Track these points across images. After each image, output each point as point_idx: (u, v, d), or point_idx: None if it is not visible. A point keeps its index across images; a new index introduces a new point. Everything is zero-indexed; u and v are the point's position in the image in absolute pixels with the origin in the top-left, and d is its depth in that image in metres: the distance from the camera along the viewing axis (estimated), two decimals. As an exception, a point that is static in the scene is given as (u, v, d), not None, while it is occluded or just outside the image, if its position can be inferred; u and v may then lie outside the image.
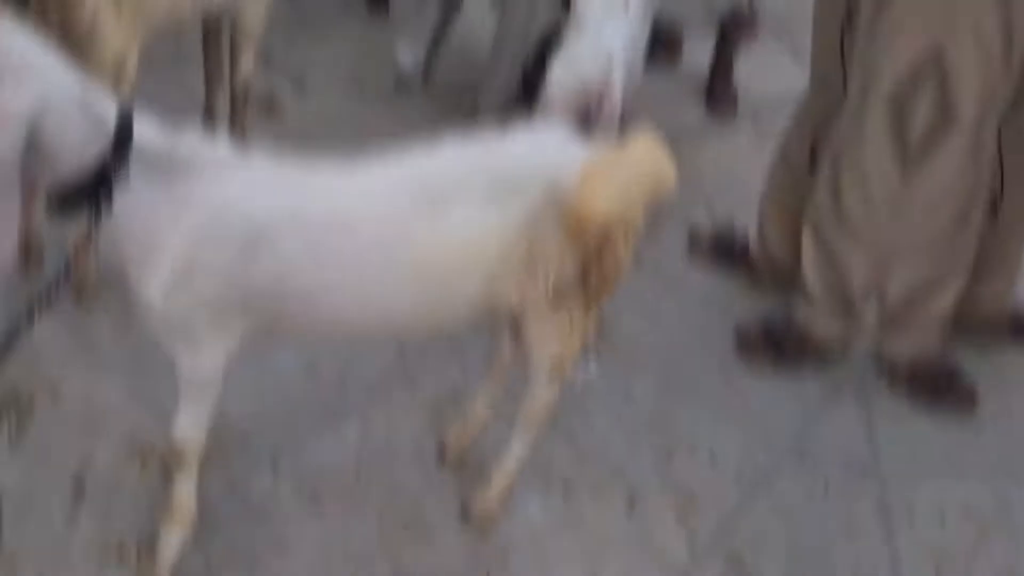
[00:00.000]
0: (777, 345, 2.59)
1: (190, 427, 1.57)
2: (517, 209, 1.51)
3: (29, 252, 2.07)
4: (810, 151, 2.57)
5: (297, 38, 3.52)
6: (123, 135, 1.28)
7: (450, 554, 1.88)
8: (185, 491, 1.65)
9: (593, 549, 1.96)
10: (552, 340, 1.69)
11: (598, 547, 1.97)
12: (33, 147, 1.21)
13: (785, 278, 2.69)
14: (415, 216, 1.47)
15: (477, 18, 4.02)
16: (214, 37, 2.55)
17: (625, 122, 2.40)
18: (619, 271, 1.67)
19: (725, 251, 2.88)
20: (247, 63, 2.49)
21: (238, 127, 2.65)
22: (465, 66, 3.80)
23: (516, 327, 1.74)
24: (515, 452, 1.88)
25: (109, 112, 1.30)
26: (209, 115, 2.72)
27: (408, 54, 3.66)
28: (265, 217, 1.40)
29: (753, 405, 2.43)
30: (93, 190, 1.27)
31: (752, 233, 2.83)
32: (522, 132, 1.66)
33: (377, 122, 3.21)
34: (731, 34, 3.55)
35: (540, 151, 1.59)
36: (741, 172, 3.24)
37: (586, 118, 2.18)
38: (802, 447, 2.33)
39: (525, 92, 3.51)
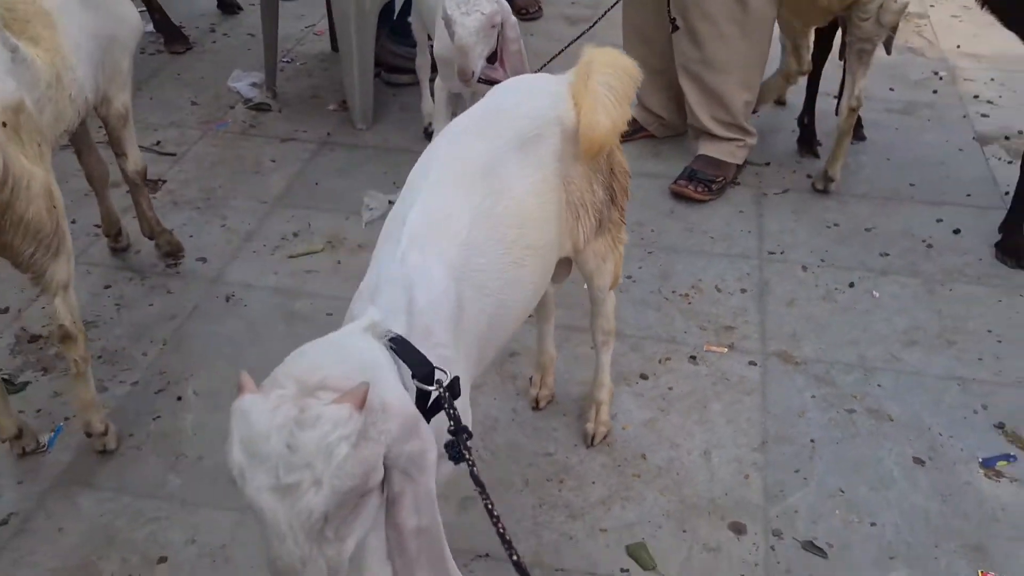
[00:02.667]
0: (705, 182, 2.85)
1: None
2: (547, 157, 1.57)
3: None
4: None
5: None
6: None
7: (595, 475, 2.00)
8: None
9: (693, 412, 2.14)
10: (606, 262, 1.81)
11: (696, 409, 2.14)
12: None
13: (677, 131, 3.15)
14: (490, 198, 1.45)
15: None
16: (85, 142, 2.43)
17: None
18: (627, 174, 1.79)
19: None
20: (133, 148, 2.39)
21: (146, 214, 2.56)
22: (306, 68, 3.77)
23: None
24: (606, 366, 2.02)
25: None
26: (111, 226, 2.61)
27: (243, 79, 3.59)
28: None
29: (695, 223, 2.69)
30: None
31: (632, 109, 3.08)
32: (504, 88, 1.71)
33: (255, 152, 3.16)
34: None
35: (534, 97, 1.64)
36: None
37: (494, 50, 2.24)
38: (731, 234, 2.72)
39: (388, 67, 3.53)
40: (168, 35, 3.81)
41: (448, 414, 1.18)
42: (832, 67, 3.09)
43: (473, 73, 2.18)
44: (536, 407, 2.18)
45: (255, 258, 2.68)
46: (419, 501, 1.11)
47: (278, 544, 0.99)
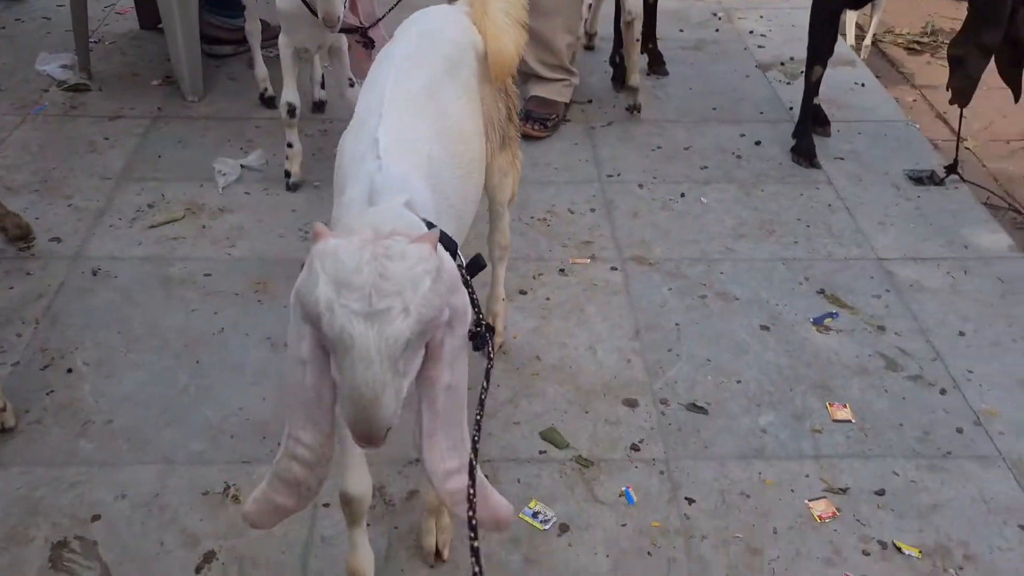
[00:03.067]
0: (541, 121, 3.09)
1: None
2: (469, 79, 1.70)
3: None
4: None
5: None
6: None
7: (498, 380, 2.16)
8: None
9: (572, 315, 2.36)
10: (507, 177, 1.99)
11: (574, 313, 2.37)
12: None
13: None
14: (438, 120, 1.55)
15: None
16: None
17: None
18: (517, 93, 1.97)
19: None
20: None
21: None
22: (117, 47, 3.64)
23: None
24: (501, 279, 2.20)
25: None
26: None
27: (51, 62, 3.42)
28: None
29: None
30: None
31: None
32: (421, 18, 1.78)
33: (84, 132, 3.05)
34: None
35: (451, 25, 1.75)
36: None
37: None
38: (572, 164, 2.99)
39: (208, 39, 3.48)
40: (-48, 23, 3.55)
41: (472, 300, 1.28)
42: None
43: (339, 18, 2.26)
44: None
45: (113, 232, 2.62)
46: (455, 356, 1.20)
47: (364, 369, 1.06)
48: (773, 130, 3.24)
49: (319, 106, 3.21)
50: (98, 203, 2.73)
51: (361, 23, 2.38)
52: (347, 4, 2.40)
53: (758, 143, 3.17)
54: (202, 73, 3.27)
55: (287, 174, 2.81)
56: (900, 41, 4.84)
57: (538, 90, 3.18)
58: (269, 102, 3.22)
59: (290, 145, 2.78)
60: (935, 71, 4.39)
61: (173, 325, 2.31)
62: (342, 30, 2.34)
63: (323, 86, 3.19)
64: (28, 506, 1.85)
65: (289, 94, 2.70)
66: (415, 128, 1.49)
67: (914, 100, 4.30)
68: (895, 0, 4.61)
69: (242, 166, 2.89)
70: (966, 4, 2.66)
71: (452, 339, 1.19)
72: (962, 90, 2.64)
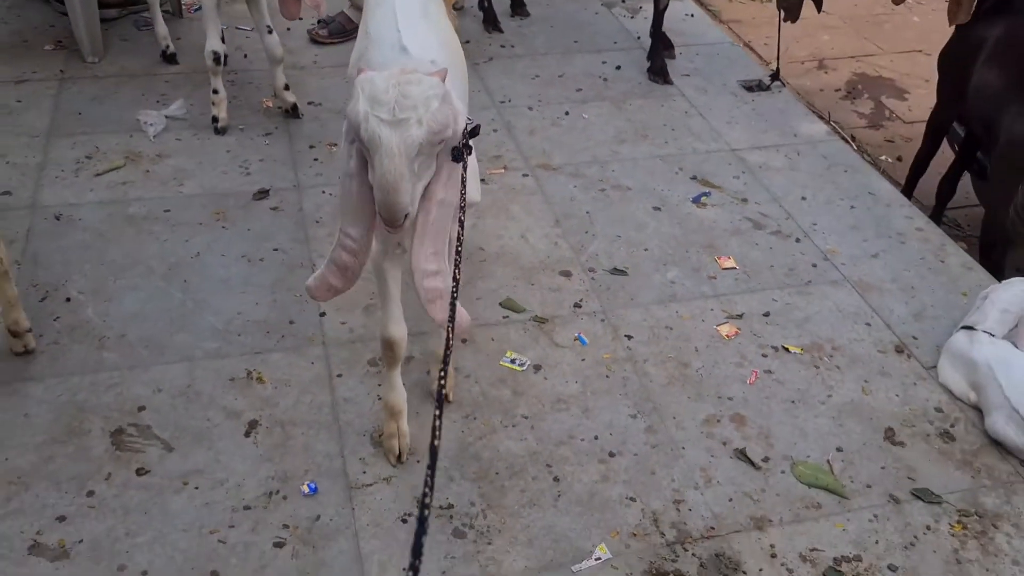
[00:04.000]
0: None
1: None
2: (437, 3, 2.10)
3: None
4: None
5: None
6: None
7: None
8: None
9: (500, 213, 2.78)
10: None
11: (502, 211, 2.79)
12: None
13: None
14: (433, 23, 1.96)
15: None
16: None
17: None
18: None
19: (338, 31, 3.67)
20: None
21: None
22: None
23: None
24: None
25: None
26: None
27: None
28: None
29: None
30: None
31: (347, 10, 3.59)
32: None
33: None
34: None
35: None
36: None
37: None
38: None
39: None
40: None
41: (464, 147, 1.63)
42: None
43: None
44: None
45: (61, 182, 2.77)
46: (451, 177, 1.60)
47: (388, 161, 1.46)
48: (628, 56, 3.78)
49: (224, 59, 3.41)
50: (35, 159, 2.85)
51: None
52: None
53: (619, 67, 3.69)
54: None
55: (215, 119, 3.04)
56: (707, -17, 5.56)
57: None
58: (171, 58, 3.39)
59: (215, 91, 3.01)
60: (736, 8, 5.11)
61: (151, 254, 2.54)
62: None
63: (223, 40, 3.39)
64: (74, 407, 2.07)
65: (213, 43, 2.92)
66: (422, 27, 1.88)
67: (724, 32, 5.00)
68: (697, -52, 5.27)
69: (166, 116, 3.08)
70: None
71: (451, 163, 1.59)
72: (790, 8, 3.25)
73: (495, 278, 2.58)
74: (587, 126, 3.31)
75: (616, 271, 2.65)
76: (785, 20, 3.35)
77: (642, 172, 3.08)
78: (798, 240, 2.83)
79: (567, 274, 2.62)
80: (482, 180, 2.96)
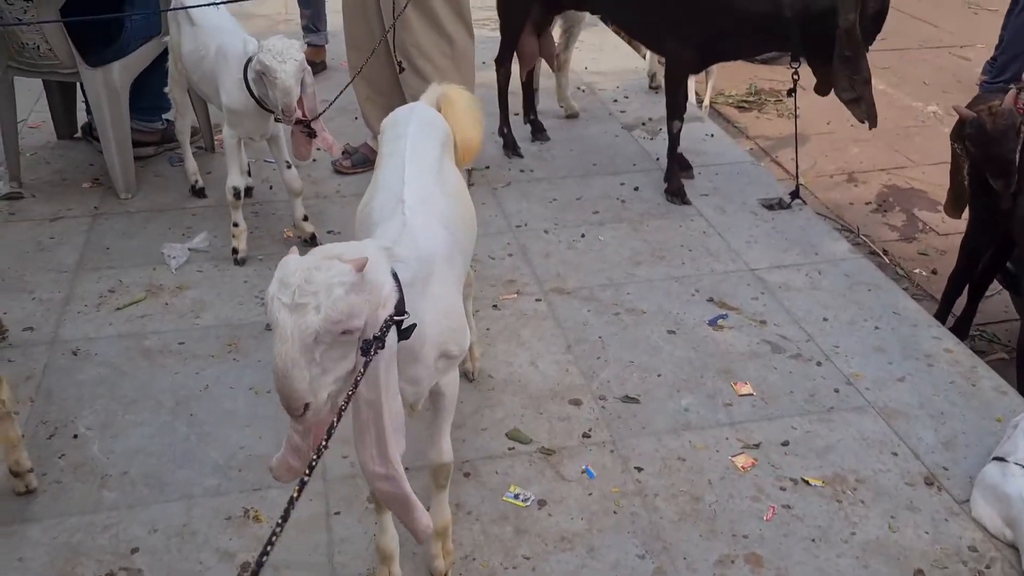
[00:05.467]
0: None
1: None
2: (451, 157, 2.13)
3: None
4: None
5: None
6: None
7: (460, 397, 2.53)
8: None
9: (511, 340, 2.75)
10: None
11: (513, 338, 2.76)
12: None
13: None
14: (443, 184, 1.96)
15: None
16: None
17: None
18: None
19: (362, 161, 3.80)
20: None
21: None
22: (39, 158, 3.84)
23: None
24: (470, 313, 2.57)
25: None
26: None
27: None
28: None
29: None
30: None
31: (370, 141, 3.72)
32: (414, 111, 2.15)
33: (28, 234, 3.24)
34: None
35: (436, 116, 2.15)
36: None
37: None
38: (484, 219, 3.38)
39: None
40: None
41: (375, 341, 1.50)
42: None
43: (295, 109, 2.63)
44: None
45: (83, 317, 2.84)
46: (373, 374, 1.51)
47: (280, 345, 1.40)
48: (647, 177, 3.80)
49: (247, 191, 3.53)
50: (60, 294, 2.94)
51: (305, 115, 2.75)
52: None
53: (636, 189, 3.72)
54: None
55: (234, 251, 3.11)
56: (731, 102, 5.63)
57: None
58: (200, 192, 3.51)
59: (236, 224, 3.09)
60: (763, 124, 5.16)
61: (162, 387, 2.56)
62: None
63: (249, 173, 3.51)
64: (69, 550, 2.06)
65: (234, 179, 3.03)
66: (431, 191, 1.90)
67: (751, 149, 5.04)
68: (721, 67, 5.37)
69: (189, 249, 3.17)
70: (783, 67, 3.31)
71: (371, 362, 1.47)
72: (871, 113, 3.21)
73: (503, 407, 2.54)
74: (603, 248, 3.31)
75: (628, 399, 2.58)
76: (873, 127, 3.26)
77: (658, 294, 3.05)
78: (819, 364, 2.75)
79: (577, 402, 2.57)
80: (494, 306, 2.96)
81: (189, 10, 3.05)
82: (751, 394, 2.62)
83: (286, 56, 2.57)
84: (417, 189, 1.90)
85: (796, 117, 3.69)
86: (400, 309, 1.54)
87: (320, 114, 2.77)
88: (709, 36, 3.38)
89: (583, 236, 3.38)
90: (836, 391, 2.64)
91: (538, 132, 4.10)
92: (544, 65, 4.16)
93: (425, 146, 2.05)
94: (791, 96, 3.49)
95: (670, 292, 3.06)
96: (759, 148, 4.93)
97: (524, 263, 3.20)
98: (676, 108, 3.60)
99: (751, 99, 5.60)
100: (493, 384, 2.62)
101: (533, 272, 3.15)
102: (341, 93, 3.01)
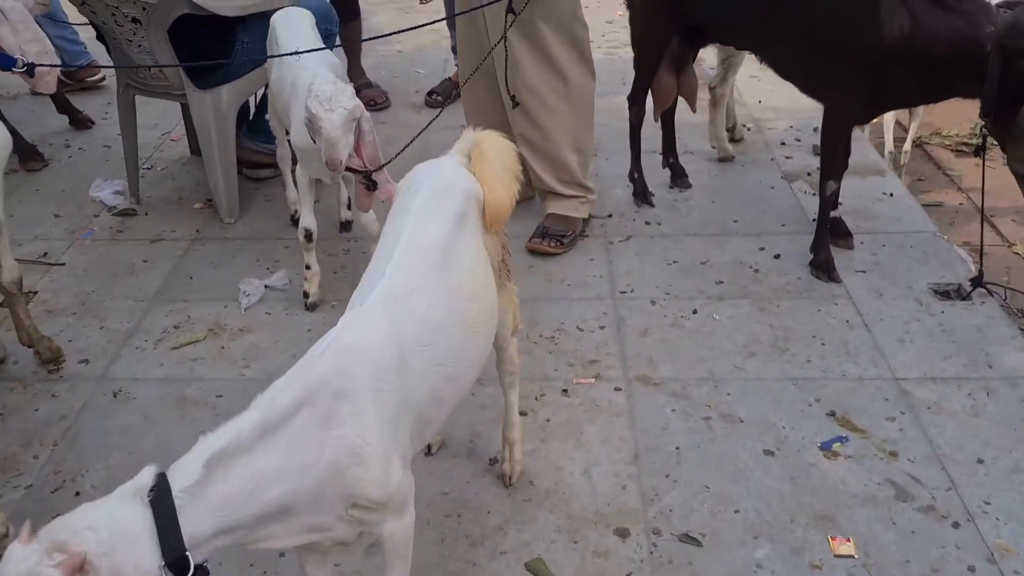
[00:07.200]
0: (557, 237, 3.19)
1: None
2: (474, 228, 1.77)
3: None
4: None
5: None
6: None
7: (489, 506, 2.17)
8: None
9: (570, 438, 2.35)
10: (507, 313, 2.02)
11: (572, 435, 2.36)
12: None
13: (525, 196, 3.21)
14: (448, 274, 1.64)
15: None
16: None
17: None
18: (506, 233, 2.03)
19: None
20: (7, 258, 2.46)
21: (23, 323, 2.61)
22: (167, 172, 3.88)
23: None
24: (514, 405, 2.21)
25: None
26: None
27: (105, 188, 3.67)
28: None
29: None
30: None
31: None
32: (429, 170, 1.87)
33: (126, 255, 3.24)
34: None
35: (456, 177, 1.83)
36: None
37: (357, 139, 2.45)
38: (586, 280, 2.92)
39: (248, 164, 3.69)
40: (22, 154, 3.85)
41: None
42: (649, 128, 3.50)
43: (341, 162, 2.37)
44: (428, 452, 2.34)
45: (139, 353, 2.75)
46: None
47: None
48: (793, 243, 3.21)
49: (346, 225, 3.34)
50: (128, 324, 2.88)
51: (365, 166, 2.49)
52: (355, 147, 2.50)
53: (777, 256, 3.14)
54: (239, 195, 3.46)
55: (305, 295, 2.92)
56: (948, 143, 4.78)
57: (555, 207, 3.24)
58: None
59: (308, 267, 2.90)
60: (978, 173, 4.30)
61: (180, 447, 2.35)
62: (348, 169, 2.45)
63: (349, 207, 3.32)
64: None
65: (306, 219, 2.83)
66: (418, 285, 1.57)
67: (960, 204, 4.22)
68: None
69: (266, 286, 3.02)
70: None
71: None
72: None
73: (534, 526, 2.14)
74: (714, 330, 2.79)
75: (687, 538, 2.10)
76: None
77: (765, 399, 2.50)
78: (956, 525, 2.11)
79: (623, 533, 2.12)
80: (564, 391, 2.56)
81: (277, 37, 2.88)
82: (851, 556, 2.04)
83: (334, 104, 2.31)
84: (400, 280, 1.57)
85: (983, 181, 2.96)
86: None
87: (384, 165, 2.49)
88: (879, 82, 2.76)
89: (695, 312, 2.88)
90: (971, 570, 2.00)
91: (678, 178, 3.61)
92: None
93: (433, 221, 1.72)
94: (978, 156, 2.79)
95: (781, 398, 2.51)
96: (970, 202, 4.12)
97: (615, 339, 2.76)
98: (833, 167, 3.00)
99: (973, 142, 4.71)
100: (531, 494, 2.23)
101: (622, 352, 2.70)
102: (408, 144, 2.72)
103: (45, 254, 3.26)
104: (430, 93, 4.46)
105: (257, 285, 3.01)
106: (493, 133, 1.94)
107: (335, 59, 2.91)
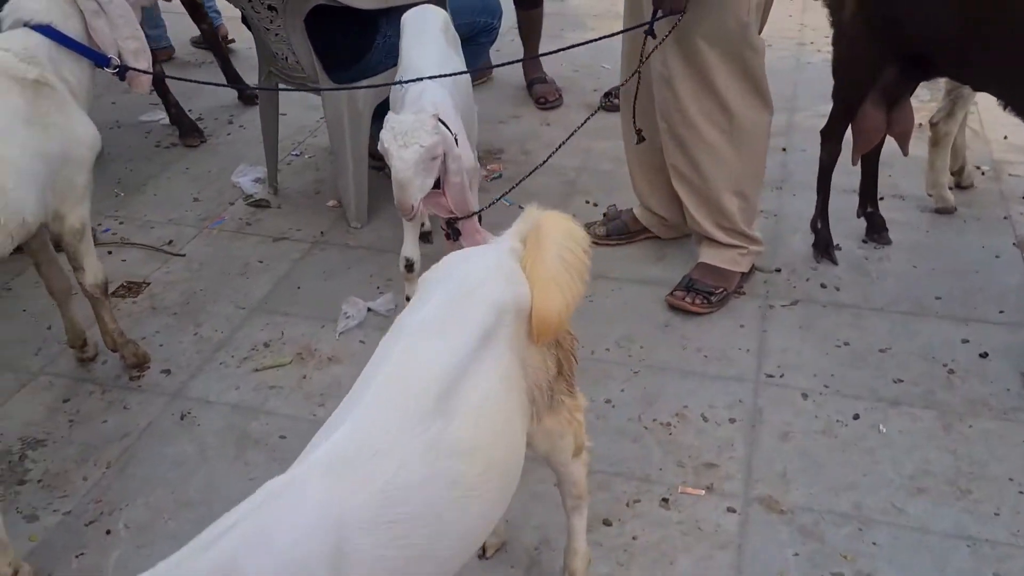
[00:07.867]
0: (704, 294, 2.69)
1: None
2: (505, 347, 1.37)
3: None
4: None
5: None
6: None
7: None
8: None
9: (656, 567, 1.91)
10: (563, 439, 1.61)
11: (660, 564, 1.91)
12: None
13: (681, 232, 2.94)
14: (442, 421, 1.24)
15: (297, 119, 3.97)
16: (44, 255, 2.42)
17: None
18: (574, 337, 1.60)
19: (620, 231, 3.02)
20: (91, 261, 2.35)
21: (108, 327, 2.50)
22: (313, 161, 3.73)
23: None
24: (578, 531, 1.80)
25: None
26: (75, 337, 2.56)
27: (247, 174, 3.57)
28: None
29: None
30: None
31: (636, 209, 3.02)
32: (456, 269, 1.47)
33: (245, 252, 3.09)
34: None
35: (490, 278, 1.41)
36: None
37: (437, 175, 2.09)
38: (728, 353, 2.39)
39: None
40: (183, 128, 3.83)
41: None
42: (842, 173, 2.87)
43: (413, 207, 2.02)
44: (483, 555, 1.98)
45: (221, 370, 2.57)
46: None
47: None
48: (1010, 337, 2.51)
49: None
50: (221, 335, 2.71)
51: (452, 212, 2.12)
52: (441, 187, 2.14)
53: (984, 355, 2.46)
54: (370, 193, 3.21)
55: (404, 327, 2.62)
56: None
57: (708, 256, 2.73)
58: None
59: (408, 299, 2.58)
60: None
61: (226, 493, 2.17)
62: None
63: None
64: None
65: (408, 249, 2.53)
66: (388, 441, 1.19)
67: None
68: None
69: (369, 309, 2.76)
70: None
71: None
72: None
73: None
74: (877, 448, 2.20)
75: None
76: None
77: (923, 562, 1.91)
78: None
79: None
80: (663, 500, 2.11)
81: (404, 37, 2.57)
82: None
83: (409, 140, 1.95)
84: (362, 435, 1.18)
85: None
86: None
87: (476, 212, 2.12)
88: None
89: (856, 417, 2.29)
90: None
91: (875, 231, 2.96)
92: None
93: (436, 344, 1.32)
94: None
95: (947, 562, 1.91)
96: None
97: (744, 440, 2.24)
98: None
99: None
100: (587, 638, 1.81)
101: (748, 459, 2.19)
102: (539, 166, 2.31)
103: (171, 242, 3.18)
104: (607, 94, 3.99)
105: (360, 307, 2.75)
106: (558, 216, 1.50)
107: (462, 80, 2.53)
